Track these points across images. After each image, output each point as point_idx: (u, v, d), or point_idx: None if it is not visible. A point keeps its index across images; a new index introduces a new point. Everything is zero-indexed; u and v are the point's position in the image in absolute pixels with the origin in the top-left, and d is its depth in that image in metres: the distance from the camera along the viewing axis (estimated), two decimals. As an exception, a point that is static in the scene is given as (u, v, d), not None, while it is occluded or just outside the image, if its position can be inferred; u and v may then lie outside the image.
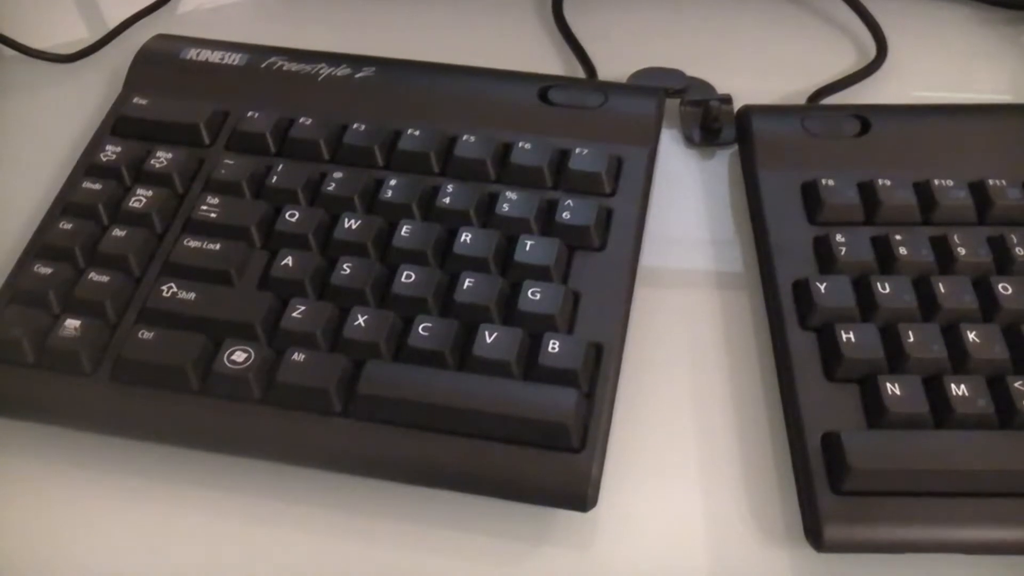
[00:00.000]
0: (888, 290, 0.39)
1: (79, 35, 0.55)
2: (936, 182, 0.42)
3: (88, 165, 0.44)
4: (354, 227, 0.41)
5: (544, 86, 0.47)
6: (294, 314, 0.38)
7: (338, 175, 0.43)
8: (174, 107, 0.46)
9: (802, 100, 0.50)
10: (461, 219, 0.42)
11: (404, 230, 0.41)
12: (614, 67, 0.51)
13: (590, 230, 0.41)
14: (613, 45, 0.53)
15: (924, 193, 0.42)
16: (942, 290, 0.39)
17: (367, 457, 0.36)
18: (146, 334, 0.38)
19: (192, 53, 0.48)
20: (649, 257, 0.44)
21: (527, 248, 0.40)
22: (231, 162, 0.44)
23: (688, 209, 0.46)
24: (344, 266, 0.40)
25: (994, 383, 0.36)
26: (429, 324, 0.38)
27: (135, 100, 0.46)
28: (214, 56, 0.48)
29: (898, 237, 0.41)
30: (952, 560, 0.35)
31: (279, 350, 0.38)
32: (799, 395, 0.37)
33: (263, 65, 0.48)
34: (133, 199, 0.42)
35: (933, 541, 0.34)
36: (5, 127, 0.51)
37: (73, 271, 0.40)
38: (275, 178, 0.43)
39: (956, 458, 0.35)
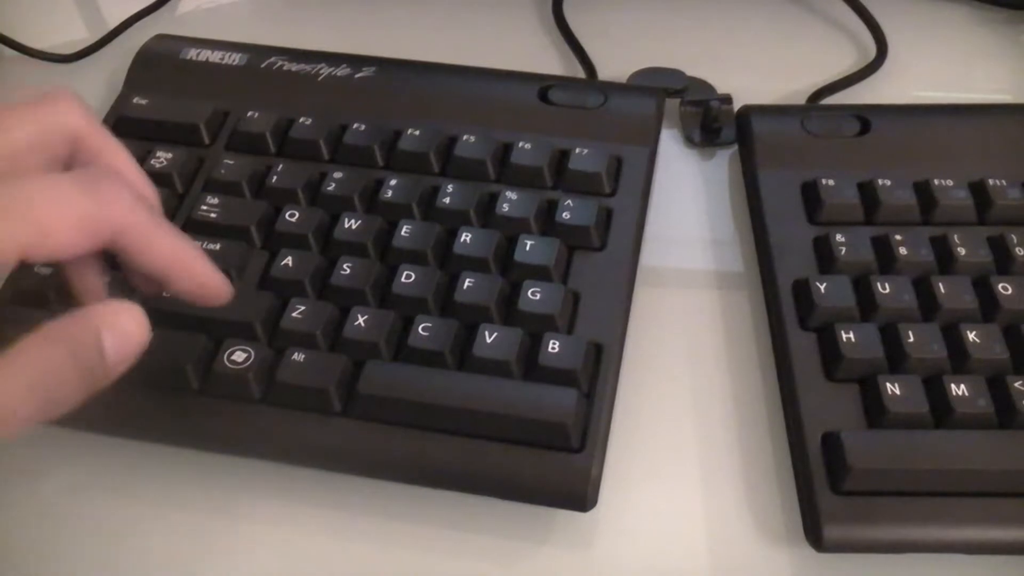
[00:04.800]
0: (888, 290, 0.39)
1: (79, 35, 0.55)
2: (936, 182, 0.42)
3: (88, 165, 0.44)
4: (354, 227, 0.41)
5: (544, 86, 0.47)
6: (294, 314, 0.38)
7: (338, 175, 0.43)
8: (174, 107, 0.46)
9: (802, 100, 0.50)
10: (461, 219, 0.41)
11: (404, 230, 0.41)
12: (614, 67, 0.52)
13: (590, 230, 0.41)
14: (613, 45, 0.53)
15: (924, 193, 0.42)
16: (942, 290, 0.39)
17: (367, 457, 0.36)
18: (146, 334, 0.38)
19: (192, 53, 0.48)
20: (649, 257, 0.44)
21: (527, 248, 0.40)
22: (231, 162, 0.44)
23: (688, 209, 0.46)
24: (344, 266, 0.40)
25: (994, 383, 0.36)
26: (429, 324, 0.38)
27: (135, 100, 0.46)
28: (214, 56, 0.48)
29: (898, 237, 0.41)
30: (952, 560, 0.35)
31: (279, 350, 0.38)
32: (799, 395, 0.37)
33: (263, 65, 0.48)
34: (133, 199, 0.42)
35: (933, 541, 0.34)
36: (5, 127, 0.50)
37: (73, 271, 0.40)
38: (275, 178, 0.43)
39: (956, 458, 0.35)
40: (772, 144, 0.45)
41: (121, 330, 0.29)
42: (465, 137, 0.44)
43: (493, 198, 0.42)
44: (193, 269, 0.32)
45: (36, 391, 0.27)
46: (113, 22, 0.55)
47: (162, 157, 0.44)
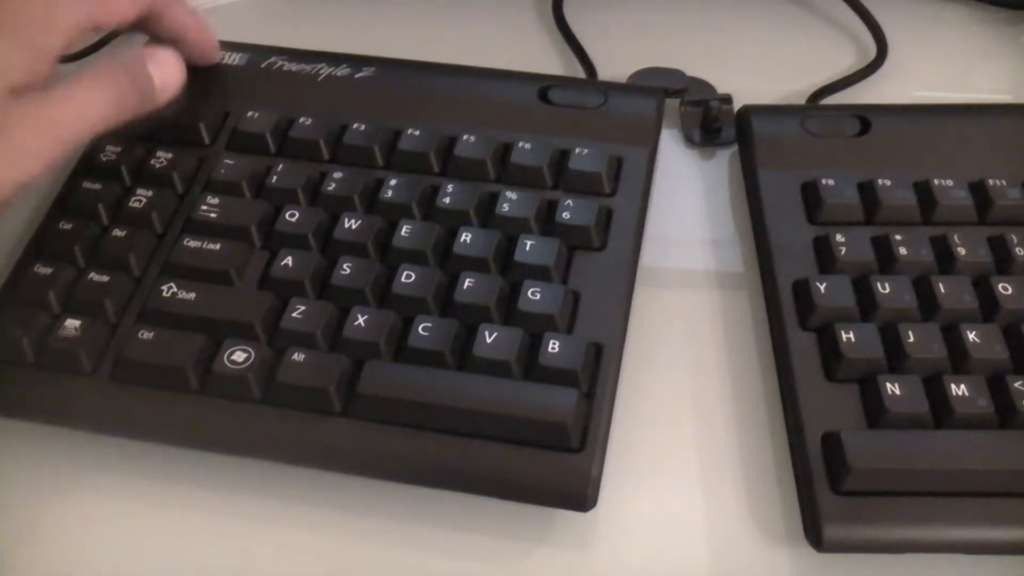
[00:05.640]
0: (888, 290, 0.39)
1: (79, 35, 0.55)
2: (936, 182, 0.42)
3: (88, 165, 0.44)
4: (354, 227, 0.41)
5: (544, 86, 0.47)
6: (294, 314, 0.38)
7: (338, 175, 0.43)
8: (174, 107, 0.45)
9: (802, 100, 0.50)
10: (461, 219, 0.41)
11: (404, 230, 0.41)
12: (614, 67, 0.51)
13: (590, 230, 0.41)
14: (613, 45, 0.53)
15: (924, 193, 0.42)
16: (942, 290, 0.39)
17: (367, 457, 0.36)
18: (146, 334, 0.38)
19: (192, 53, 0.48)
20: (649, 257, 0.43)
21: (527, 248, 0.40)
22: (231, 162, 0.44)
23: (688, 209, 0.46)
24: (344, 266, 0.40)
25: (994, 383, 0.36)
26: (429, 324, 0.38)
27: (135, 100, 0.46)
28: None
29: (898, 237, 0.41)
30: (952, 560, 0.35)
31: (279, 350, 0.38)
32: (799, 395, 0.37)
33: (263, 65, 0.48)
34: (133, 199, 0.42)
35: (933, 541, 0.34)
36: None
37: (73, 271, 0.40)
38: (275, 178, 0.43)
39: (956, 458, 0.35)
40: (772, 144, 0.45)
41: (163, 60, 0.41)
42: (465, 137, 0.44)
43: (493, 198, 0.42)
44: (200, 30, 0.45)
45: (109, 101, 0.38)
46: (113, 22, 0.55)
47: (162, 157, 0.44)
